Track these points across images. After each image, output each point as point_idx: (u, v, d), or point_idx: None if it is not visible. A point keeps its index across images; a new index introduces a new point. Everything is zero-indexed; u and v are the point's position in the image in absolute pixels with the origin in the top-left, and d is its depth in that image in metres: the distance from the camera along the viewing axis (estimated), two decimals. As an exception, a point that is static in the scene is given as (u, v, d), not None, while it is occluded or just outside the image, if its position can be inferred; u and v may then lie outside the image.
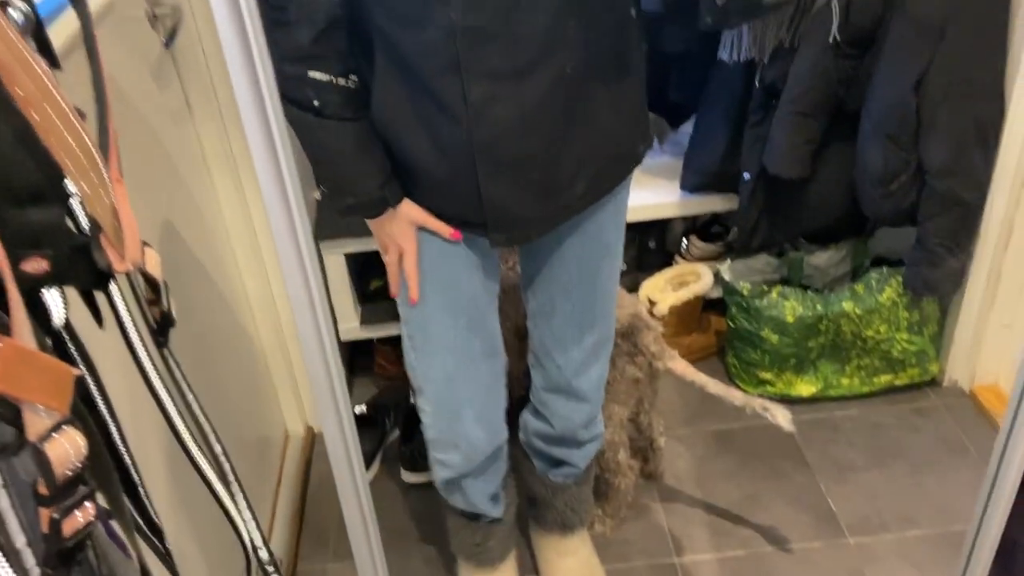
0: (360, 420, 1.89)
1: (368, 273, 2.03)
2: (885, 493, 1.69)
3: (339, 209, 1.08)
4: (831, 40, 1.59)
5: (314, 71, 0.95)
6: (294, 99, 0.96)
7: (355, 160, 1.03)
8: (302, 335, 0.60)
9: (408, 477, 1.82)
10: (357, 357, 2.14)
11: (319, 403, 0.60)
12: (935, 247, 1.71)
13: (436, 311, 1.17)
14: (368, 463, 1.83)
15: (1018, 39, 1.58)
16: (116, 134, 0.60)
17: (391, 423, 1.92)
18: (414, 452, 1.80)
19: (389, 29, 0.97)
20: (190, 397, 0.68)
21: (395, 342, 2.02)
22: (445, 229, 1.10)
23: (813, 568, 1.56)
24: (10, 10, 0.51)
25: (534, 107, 0.99)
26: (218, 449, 0.71)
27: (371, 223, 1.12)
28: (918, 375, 1.90)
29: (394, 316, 1.92)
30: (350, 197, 1.06)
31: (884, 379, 1.90)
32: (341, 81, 0.98)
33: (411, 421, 1.85)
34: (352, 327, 1.96)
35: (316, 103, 0.97)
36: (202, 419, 0.69)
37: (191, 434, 0.68)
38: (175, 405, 0.65)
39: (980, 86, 1.61)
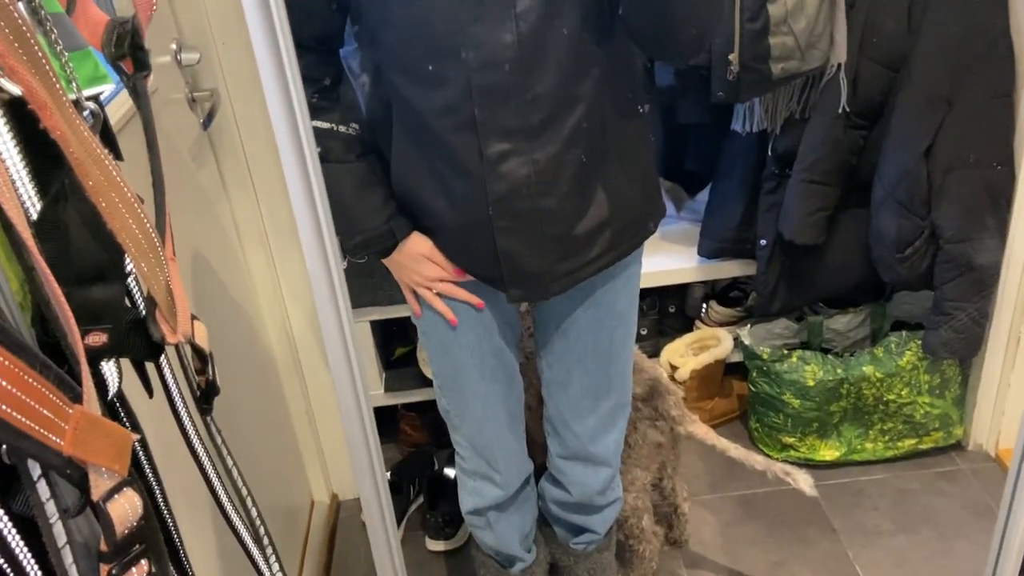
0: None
1: (392, 340, 2.07)
2: (913, 559, 1.67)
3: (349, 249, 1.13)
4: (841, 111, 1.65)
5: (316, 121, 1.02)
6: None
7: (358, 197, 1.09)
8: (341, 401, 0.63)
9: (432, 545, 1.82)
10: (381, 424, 2.16)
11: (356, 468, 0.63)
12: (952, 310, 1.73)
13: (464, 366, 1.22)
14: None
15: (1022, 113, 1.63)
16: (171, 217, 0.65)
17: (415, 490, 1.93)
18: (439, 520, 1.81)
19: (406, 89, 1.02)
20: (230, 463, 0.71)
21: (419, 408, 2.05)
22: (449, 268, 1.14)
23: (843, 637, 1.53)
24: (84, 111, 0.57)
25: (548, 163, 1.03)
26: (254, 513, 0.74)
27: (390, 265, 1.17)
28: (942, 439, 1.89)
29: (418, 383, 1.98)
30: (358, 235, 1.11)
31: (908, 443, 1.89)
32: (342, 128, 1.06)
33: (435, 489, 1.86)
34: (377, 394, 1.99)
35: (318, 149, 1.03)
36: (240, 484, 0.72)
37: (229, 499, 0.71)
38: (215, 470, 0.69)
39: (989, 152, 1.65)
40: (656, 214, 1.20)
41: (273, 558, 0.78)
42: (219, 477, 0.70)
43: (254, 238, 1.56)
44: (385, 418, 2.15)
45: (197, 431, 0.69)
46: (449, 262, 1.14)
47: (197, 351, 0.66)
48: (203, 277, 1.33)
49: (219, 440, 0.70)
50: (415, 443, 2.09)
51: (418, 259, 1.14)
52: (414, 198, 1.10)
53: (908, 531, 1.74)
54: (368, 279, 1.78)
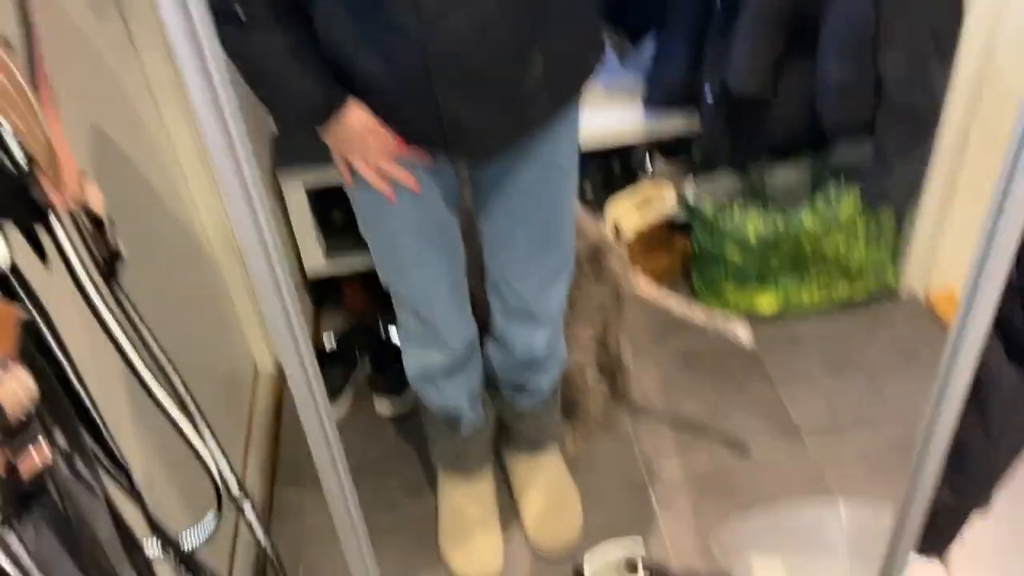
0: (330, 356, 1.90)
1: (331, 205, 2.01)
2: (843, 400, 1.75)
3: (283, 121, 1.06)
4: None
5: None
6: (219, 11, 0.95)
7: (289, 63, 1.01)
8: (253, 271, 0.59)
9: (382, 408, 1.84)
10: (325, 292, 2.14)
11: (277, 341, 0.60)
12: (891, 157, 1.73)
13: (401, 235, 1.18)
14: (338, 397, 1.85)
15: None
16: (45, 65, 0.58)
17: (361, 356, 1.93)
18: (386, 384, 1.82)
19: None
20: (144, 330, 0.68)
21: (362, 277, 2.02)
22: (391, 141, 1.08)
23: (775, 472, 1.62)
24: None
25: (489, 17, 0.97)
26: (177, 381, 0.72)
27: (328, 139, 1.10)
28: (876, 286, 1.94)
29: (360, 249, 1.93)
30: (291, 107, 1.06)
31: (843, 292, 1.94)
32: None
33: (382, 354, 1.86)
34: (317, 263, 1.95)
35: (240, 12, 0.95)
36: (158, 352, 0.69)
37: (148, 368, 0.68)
38: (129, 340, 0.65)
39: (938, 2, 1.61)
40: (598, 56, 1.15)
41: (205, 426, 0.76)
42: (134, 346, 0.67)
43: (169, 91, 1.45)
44: (329, 286, 2.12)
45: (105, 300, 0.65)
46: (391, 133, 1.08)
47: (92, 217, 0.61)
48: (113, 136, 1.24)
49: (130, 308, 0.66)
50: (360, 311, 2.07)
51: (361, 134, 1.07)
52: (346, 62, 1.02)
53: (840, 374, 1.81)
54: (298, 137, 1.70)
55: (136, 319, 0.66)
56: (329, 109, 1.05)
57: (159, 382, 0.71)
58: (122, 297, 0.65)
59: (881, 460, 1.62)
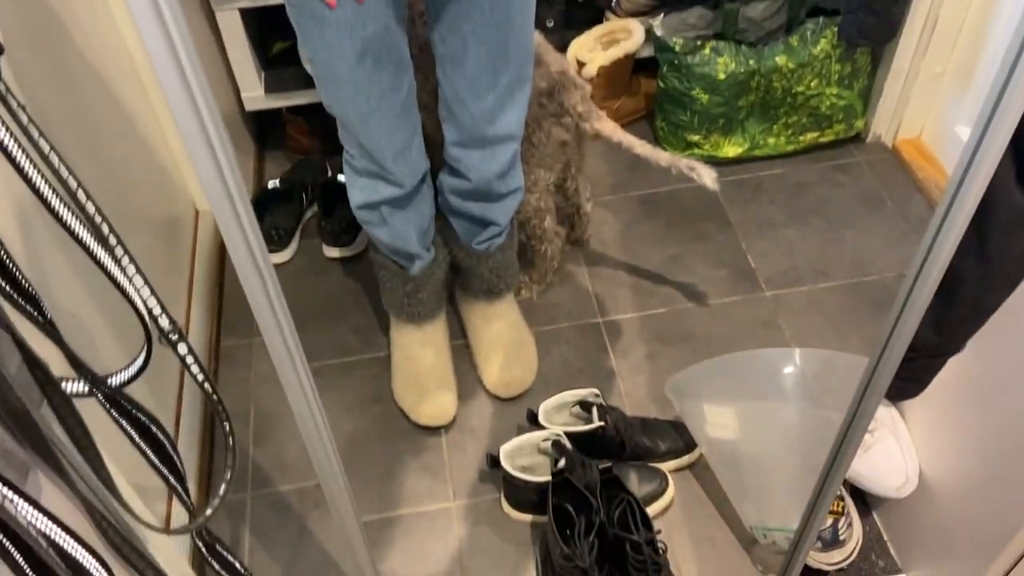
0: (275, 195, 1.80)
1: (270, 34, 1.85)
2: (802, 248, 1.73)
3: None
4: None
5: None
6: None
7: None
8: (171, 103, 0.50)
9: (329, 252, 1.77)
10: (268, 129, 2.01)
11: (203, 182, 0.51)
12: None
13: (342, 48, 1.07)
14: (287, 240, 1.77)
15: None
16: None
17: (308, 198, 1.84)
18: (335, 227, 1.74)
19: None
20: (44, 145, 0.58)
21: (306, 111, 1.89)
22: None
23: (731, 321, 1.62)
24: None
25: None
26: (91, 209, 0.63)
27: None
28: (844, 131, 1.89)
29: (303, 83, 1.79)
30: None
31: (810, 137, 1.88)
32: None
33: (329, 195, 1.77)
34: (256, 95, 1.81)
35: None
36: (64, 173, 0.60)
37: (54, 191, 0.60)
38: (26, 154, 0.56)
39: None
40: None
41: (128, 260, 0.68)
42: (34, 164, 0.57)
43: None
44: (270, 122, 1.99)
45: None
46: None
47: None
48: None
49: (23, 117, 0.56)
50: (305, 149, 1.96)
51: None
52: None
53: (800, 222, 1.78)
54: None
55: (32, 129, 0.57)
56: None
57: (68, 207, 0.62)
58: (12, 100, 0.55)
59: (834, 306, 1.63)
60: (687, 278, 1.69)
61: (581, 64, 1.86)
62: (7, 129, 0.56)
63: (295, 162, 1.92)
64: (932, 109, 1.84)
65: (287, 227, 1.77)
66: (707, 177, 1.44)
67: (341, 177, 1.78)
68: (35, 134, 0.59)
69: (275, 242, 1.74)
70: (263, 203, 1.78)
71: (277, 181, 1.83)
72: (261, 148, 2.00)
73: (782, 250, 1.73)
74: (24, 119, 0.56)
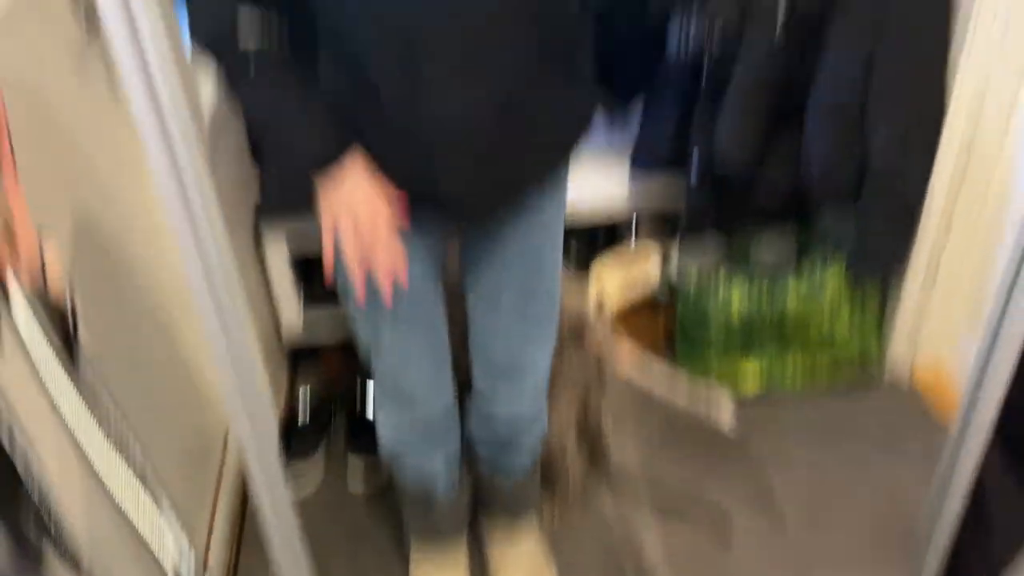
0: (304, 429, 1.84)
1: (314, 276, 1.97)
2: (826, 485, 1.71)
3: (286, 168, 1.05)
4: (779, 27, 1.60)
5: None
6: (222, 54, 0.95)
7: (300, 109, 0.98)
8: (209, 335, 0.55)
9: (354, 487, 1.77)
10: (301, 355, 2.09)
11: (233, 422, 0.56)
12: (876, 230, 1.74)
13: (381, 315, 1.16)
14: (312, 473, 1.78)
15: (956, 44, 1.61)
16: (10, 137, 0.56)
17: (334, 430, 1.87)
18: (360, 462, 1.76)
19: (338, 26, 0.96)
20: (111, 411, 0.63)
21: (342, 347, 1.96)
22: (390, 194, 1.04)
23: (756, 556, 1.57)
24: None
25: (500, 102, 0.99)
26: (138, 481, 0.67)
27: (328, 194, 1.03)
28: (859, 367, 1.93)
29: (341, 322, 1.88)
30: (298, 149, 1.00)
31: (825, 371, 1.92)
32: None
33: (357, 430, 1.80)
34: (295, 329, 1.91)
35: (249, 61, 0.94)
36: (127, 438, 0.65)
37: (107, 457, 0.64)
38: (84, 428, 0.61)
39: (924, 81, 1.64)
40: (593, 117, 1.17)
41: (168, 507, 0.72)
42: (90, 435, 0.62)
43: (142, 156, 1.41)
44: (307, 351, 2.07)
45: (61, 386, 0.61)
46: (389, 189, 1.04)
47: (54, 306, 0.57)
48: (93, 199, 1.21)
49: (105, 397, 0.62)
50: (338, 378, 2.01)
51: (368, 196, 1.01)
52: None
53: (823, 459, 1.78)
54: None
55: (105, 403, 0.62)
56: (339, 154, 1.00)
57: (121, 467, 0.66)
58: (80, 383, 0.61)
59: (865, 549, 1.58)
60: (710, 511, 1.67)
61: (601, 300, 1.95)
62: (68, 402, 0.62)
63: (327, 390, 1.94)
64: (946, 339, 1.87)
65: (314, 459, 1.79)
66: (724, 418, 1.49)
67: (371, 412, 1.82)
68: (104, 400, 0.65)
69: (299, 476, 1.76)
70: (290, 427, 1.82)
71: (307, 416, 1.86)
72: (293, 373, 2.06)
73: (806, 486, 1.72)
74: (87, 392, 0.62)
